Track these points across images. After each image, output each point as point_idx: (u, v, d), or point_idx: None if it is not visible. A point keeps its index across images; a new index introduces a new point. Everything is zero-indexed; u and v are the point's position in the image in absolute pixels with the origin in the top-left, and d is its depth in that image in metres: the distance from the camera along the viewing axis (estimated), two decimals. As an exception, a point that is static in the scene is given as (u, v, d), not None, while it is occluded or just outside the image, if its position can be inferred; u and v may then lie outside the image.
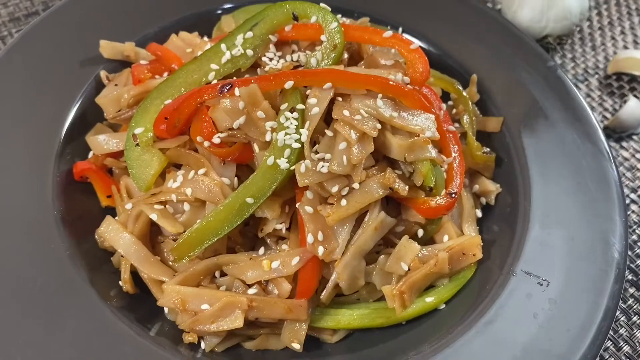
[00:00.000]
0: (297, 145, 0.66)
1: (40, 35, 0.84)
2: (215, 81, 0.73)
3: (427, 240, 0.75)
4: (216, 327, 0.64)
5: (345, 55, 0.78)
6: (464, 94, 0.84)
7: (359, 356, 0.68)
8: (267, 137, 0.67)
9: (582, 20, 1.13)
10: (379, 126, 0.68)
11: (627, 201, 0.95)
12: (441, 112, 0.78)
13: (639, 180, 0.98)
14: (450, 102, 0.88)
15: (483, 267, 0.75)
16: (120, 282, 0.69)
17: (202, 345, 0.66)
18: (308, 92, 0.70)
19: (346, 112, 0.68)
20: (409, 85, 0.73)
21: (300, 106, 0.68)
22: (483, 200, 0.82)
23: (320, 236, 0.66)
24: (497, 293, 0.70)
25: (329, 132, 0.68)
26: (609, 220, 0.73)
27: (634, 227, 0.92)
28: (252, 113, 0.67)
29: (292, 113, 0.68)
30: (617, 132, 1.03)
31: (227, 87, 0.68)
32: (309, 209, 0.66)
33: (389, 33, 0.76)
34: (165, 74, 0.77)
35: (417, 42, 0.77)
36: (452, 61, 0.92)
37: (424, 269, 0.70)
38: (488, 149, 0.84)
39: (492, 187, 0.81)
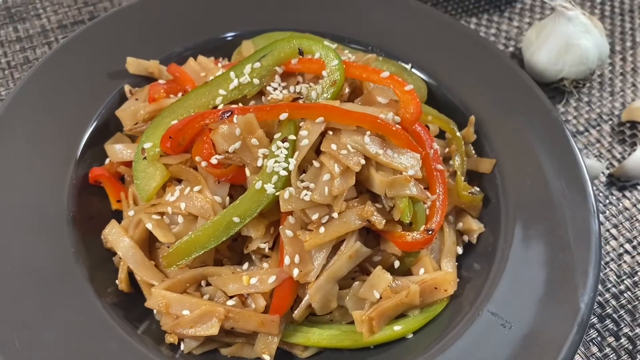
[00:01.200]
0: (284, 172, 0.72)
1: (77, 46, 0.92)
2: (221, 106, 0.80)
3: (404, 272, 0.79)
4: (194, 332, 0.70)
5: (347, 90, 0.84)
6: (458, 134, 0.88)
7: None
8: (259, 163, 0.73)
9: (601, 66, 1.14)
10: (362, 162, 0.73)
11: (621, 251, 0.96)
12: (431, 150, 0.82)
13: (636, 231, 0.99)
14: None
15: (455, 302, 0.78)
16: (117, 281, 0.76)
17: (182, 346, 0.73)
18: (302, 124, 0.75)
19: (334, 146, 0.73)
20: (398, 125, 0.78)
21: (291, 137, 0.74)
22: (466, 238, 0.85)
23: (297, 259, 0.71)
24: (463, 329, 0.73)
25: (316, 163, 0.73)
26: (582, 273, 0.75)
27: (624, 277, 0.94)
28: (247, 139, 0.73)
29: (283, 143, 0.73)
30: (622, 181, 1.04)
31: (228, 114, 0.74)
32: (289, 232, 0.72)
33: (386, 73, 0.80)
34: (180, 94, 0.84)
35: (425, 78, 0.81)
36: (456, 99, 0.95)
37: (395, 298, 0.74)
38: (477, 189, 0.87)
39: (475, 227, 0.84)
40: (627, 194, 1.03)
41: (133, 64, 0.91)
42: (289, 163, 0.72)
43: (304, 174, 0.74)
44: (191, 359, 0.72)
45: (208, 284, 0.76)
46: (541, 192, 0.84)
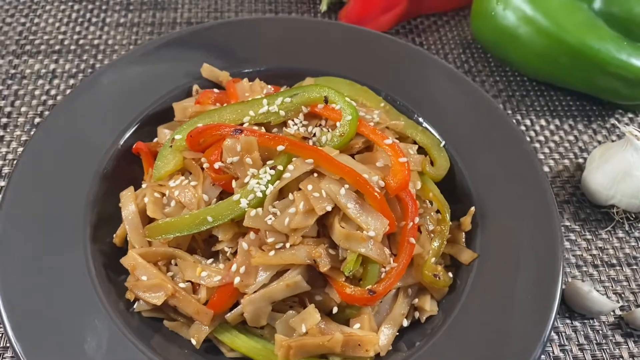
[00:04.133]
0: (260, 194, 0.82)
1: (175, 44, 1.11)
2: (247, 124, 0.92)
3: (342, 320, 0.84)
4: (144, 297, 0.83)
5: (360, 144, 0.92)
6: (448, 219, 0.91)
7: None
8: (246, 180, 0.84)
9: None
10: (328, 208, 0.81)
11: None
12: (411, 223, 0.86)
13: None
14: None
15: (378, 367, 0.82)
16: (114, 235, 0.92)
17: (135, 305, 0.86)
18: (294, 159, 0.85)
19: (310, 187, 0.82)
20: (383, 189, 0.84)
21: (280, 167, 0.84)
22: (417, 314, 0.88)
23: (242, 269, 0.81)
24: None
25: (291, 196, 0.82)
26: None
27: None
28: (243, 157, 0.85)
29: (271, 170, 0.84)
30: (630, 328, 0.98)
31: (238, 132, 0.86)
32: (245, 245, 0.82)
33: (389, 141, 0.87)
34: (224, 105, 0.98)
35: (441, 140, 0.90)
36: (472, 187, 0.98)
37: (317, 338, 0.80)
38: (448, 275, 0.90)
39: (428, 307, 0.87)
40: (630, 343, 0.97)
41: (207, 70, 1.07)
42: (267, 187, 0.82)
43: (278, 202, 0.83)
44: (138, 318, 0.85)
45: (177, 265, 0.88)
46: (502, 297, 0.85)
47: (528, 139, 1.23)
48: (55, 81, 1.24)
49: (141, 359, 0.78)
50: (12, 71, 1.25)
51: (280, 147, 0.84)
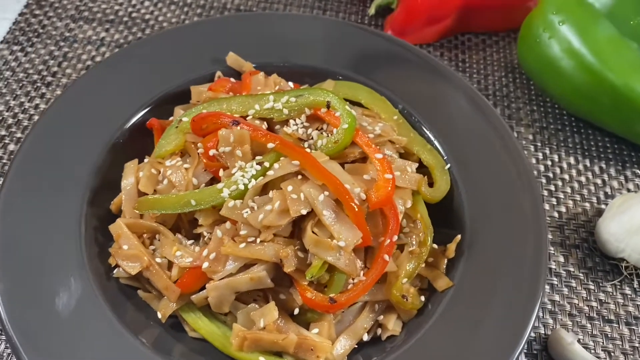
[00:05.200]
0: (242, 187, 0.84)
1: (208, 29, 1.15)
2: (250, 117, 0.94)
3: (302, 322, 0.86)
4: (123, 265, 0.88)
5: (357, 153, 0.92)
6: (429, 244, 0.90)
7: (191, 351, 0.85)
8: (233, 171, 0.87)
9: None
10: (304, 212, 0.82)
11: None
12: (389, 240, 0.86)
13: None
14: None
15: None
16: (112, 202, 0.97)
17: (115, 271, 0.91)
18: (282, 158, 0.86)
19: (290, 188, 0.83)
20: (361, 202, 0.84)
21: (266, 164, 0.86)
22: (379, 330, 0.88)
23: (212, 256, 0.83)
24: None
25: (270, 194, 0.84)
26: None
27: None
28: (234, 148, 0.87)
29: (257, 165, 0.86)
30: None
31: (235, 123, 0.89)
32: (219, 233, 0.84)
33: (379, 155, 0.87)
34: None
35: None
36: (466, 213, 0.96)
37: (273, 335, 0.82)
38: (419, 299, 0.89)
39: (390, 326, 0.86)
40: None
41: (232, 58, 1.10)
42: (250, 181, 0.85)
43: (259, 197, 0.85)
44: (116, 283, 0.90)
45: (161, 240, 0.92)
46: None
47: (551, 175, 1.18)
48: (102, 49, 1.31)
49: (105, 320, 0.82)
50: (67, 34, 1.33)
51: (270, 145, 0.86)
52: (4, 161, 1.12)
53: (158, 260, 0.88)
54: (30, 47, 1.30)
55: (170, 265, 0.89)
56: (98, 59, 1.29)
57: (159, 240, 0.92)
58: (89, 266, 0.87)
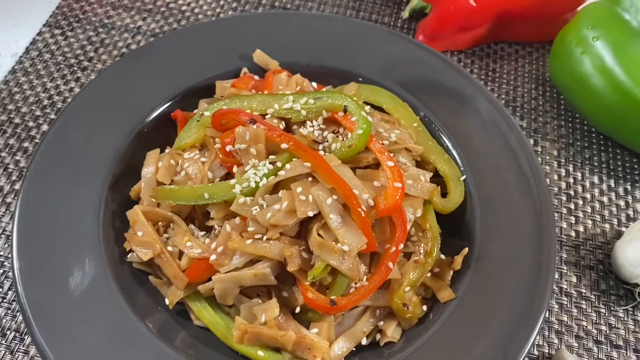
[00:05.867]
0: (253, 184, 0.86)
1: (235, 25, 1.17)
2: (269, 116, 0.96)
3: (305, 321, 0.88)
4: (136, 250, 0.91)
5: (371, 159, 0.92)
6: (434, 255, 0.90)
7: (194, 339, 0.88)
8: (246, 168, 0.89)
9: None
10: (310, 214, 0.83)
11: None
12: (394, 248, 0.87)
13: None
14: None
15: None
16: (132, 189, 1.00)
17: (129, 255, 0.94)
18: (294, 159, 0.88)
19: (299, 189, 0.85)
20: (369, 208, 0.85)
21: (278, 164, 0.87)
22: (378, 336, 0.89)
23: (220, 249, 0.86)
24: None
25: (280, 193, 0.86)
26: None
27: None
28: (249, 146, 0.89)
29: (270, 164, 0.88)
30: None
31: (252, 122, 0.91)
32: (228, 227, 0.87)
33: (391, 163, 0.87)
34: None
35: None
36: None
37: (272, 332, 0.84)
38: (421, 308, 0.89)
39: (389, 333, 0.87)
40: None
41: (259, 56, 1.12)
42: (261, 180, 0.86)
43: (269, 196, 0.87)
44: (129, 267, 0.93)
45: (174, 228, 0.95)
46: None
47: (572, 192, 1.17)
48: (138, 37, 1.35)
49: (115, 302, 0.86)
50: (106, 21, 1.38)
51: (284, 145, 0.88)
52: (36, 141, 1.17)
53: (170, 248, 0.91)
54: (71, 31, 1.35)
55: (180, 254, 0.91)
56: (133, 46, 1.33)
57: (172, 229, 0.95)
58: (104, 249, 0.91)
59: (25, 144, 1.17)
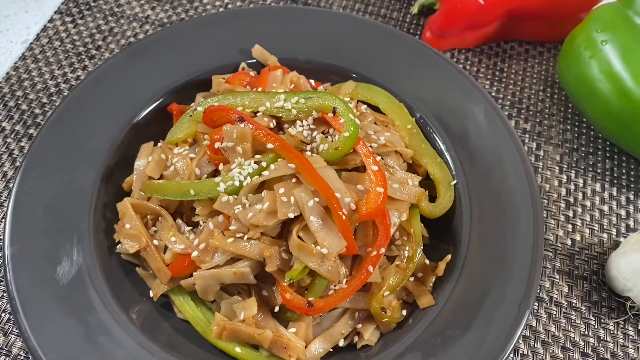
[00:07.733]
0: (237, 183, 0.87)
1: (234, 20, 1.17)
2: (260, 114, 0.97)
3: (284, 320, 0.89)
4: (124, 242, 0.93)
5: (358, 161, 0.92)
6: (416, 260, 0.90)
7: (175, 332, 0.90)
8: (232, 166, 0.90)
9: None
10: (291, 215, 0.84)
11: None
12: (375, 252, 0.87)
13: None
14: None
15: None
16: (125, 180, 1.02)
17: (118, 247, 0.96)
18: (279, 160, 0.88)
19: (281, 190, 0.85)
20: (350, 212, 0.85)
21: (263, 163, 0.88)
22: (356, 338, 0.89)
23: (202, 246, 0.87)
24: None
25: (263, 193, 0.87)
26: None
27: None
28: (236, 145, 0.90)
29: (255, 164, 0.88)
30: None
31: (241, 120, 0.91)
32: (211, 225, 0.88)
33: (375, 167, 0.87)
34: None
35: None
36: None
37: (250, 329, 0.85)
38: (400, 312, 0.89)
39: (366, 336, 0.88)
40: None
41: (258, 51, 1.12)
42: (245, 179, 0.87)
43: (253, 195, 0.88)
44: (117, 258, 0.96)
45: (163, 222, 0.97)
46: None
47: (572, 199, 1.14)
48: (146, 27, 1.36)
49: (100, 292, 0.88)
50: (115, 9, 1.39)
51: (270, 145, 0.88)
52: (41, 128, 1.20)
53: (156, 242, 0.93)
54: (81, 19, 1.37)
55: (166, 248, 0.93)
56: (141, 36, 1.35)
57: (161, 222, 0.96)
58: (93, 239, 0.93)
59: (31, 131, 1.20)
